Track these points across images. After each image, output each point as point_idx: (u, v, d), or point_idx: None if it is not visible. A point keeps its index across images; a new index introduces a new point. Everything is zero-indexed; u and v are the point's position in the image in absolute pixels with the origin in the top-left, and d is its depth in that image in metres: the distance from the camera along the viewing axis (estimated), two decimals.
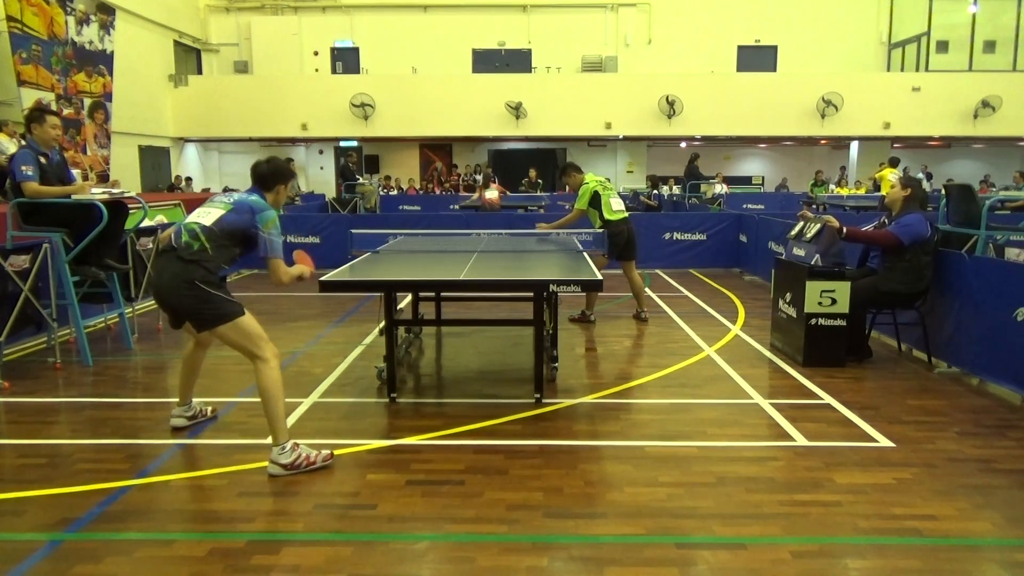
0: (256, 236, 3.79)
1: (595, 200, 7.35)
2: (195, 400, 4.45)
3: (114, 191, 6.58)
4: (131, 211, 6.62)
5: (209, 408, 4.54)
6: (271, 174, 3.98)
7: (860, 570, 2.87)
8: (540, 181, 19.04)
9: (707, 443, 4.12)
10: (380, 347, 5.54)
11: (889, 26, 22.51)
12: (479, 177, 20.59)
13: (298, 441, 3.80)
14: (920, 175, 21.97)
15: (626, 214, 7.52)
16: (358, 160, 22.39)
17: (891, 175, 13.14)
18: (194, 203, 12.24)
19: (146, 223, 7.48)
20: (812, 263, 5.66)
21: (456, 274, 4.87)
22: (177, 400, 4.40)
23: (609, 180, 7.83)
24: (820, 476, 3.68)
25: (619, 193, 8.63)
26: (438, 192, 22.19)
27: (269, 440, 3.74)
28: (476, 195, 13.92)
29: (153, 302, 7.50)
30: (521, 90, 19.89)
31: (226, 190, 16.17)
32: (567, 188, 7.87)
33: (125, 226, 6.45)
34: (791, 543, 3.03)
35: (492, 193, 13.10)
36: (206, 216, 3.77)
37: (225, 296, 3.71)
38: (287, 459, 3.67)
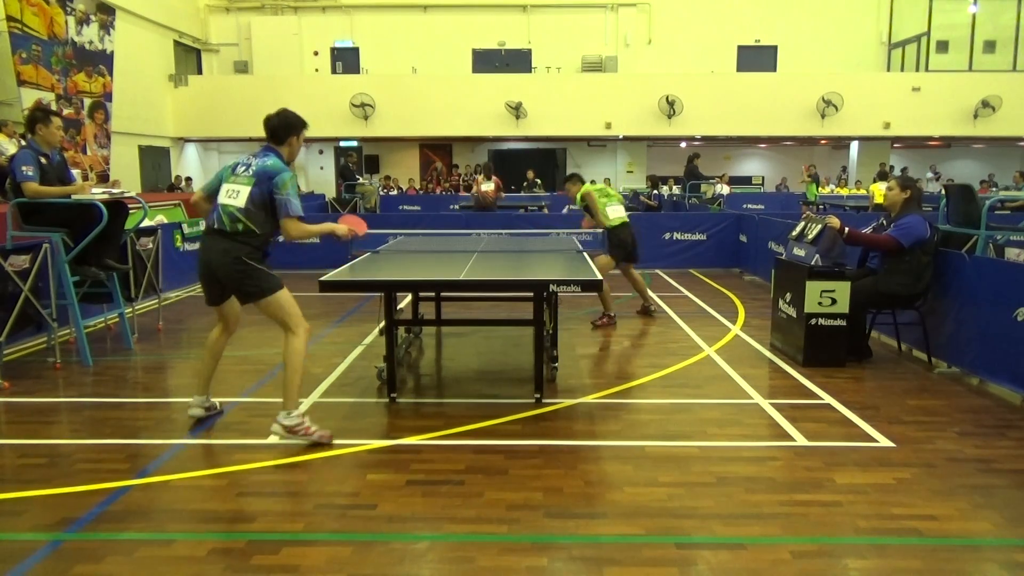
0: (273, 199, 3.96)
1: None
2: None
3: (114, 191, 6.59)
4: (131, 211, 6.62)
5: (218, 402, 4.62)
6: (282, 126, 4.09)
7: (860, 570, 2.87)
8: (539, 181, 19.03)
9: (707, 443, 4.12)
10: (380, 347, 5.54)
11: (889, 26, 22.50)
12: (479, 177, 20.61)
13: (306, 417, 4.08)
14: (930, 175, 21.99)
15: (626, 218, 7.51)
16: (358, 160, 22.39)
17: (882, 185, 13.10)
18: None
19: (146, 223, 7.48)
20: (812, 263, 5.66)
21: (456, 274, 4.87)
22: (196, 392, 4.46)
23: (609, 184, 7.81)
24: (820, 476, 3.68)
25: (620, 193, 8.66)
26: (438, 192, 22.19)
27: (270, 439, 3.75)
28: (474, 188, 13.86)
29: (153, 302, 7.54)
30: (521, 90, 19.88)
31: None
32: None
33: (125, 226, 6.45)
34: (791, 543, 3.03)
35: (488, 185, 13.01)
36: (235, 196, 3.96)
37: (268, 271, 4.03)
38: (290, 422, 3.99)
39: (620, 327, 7.21)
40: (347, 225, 4.24)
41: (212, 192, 4.15)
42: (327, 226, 4.20)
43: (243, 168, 4.06)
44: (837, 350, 5.64)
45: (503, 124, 20.14)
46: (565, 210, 13.57)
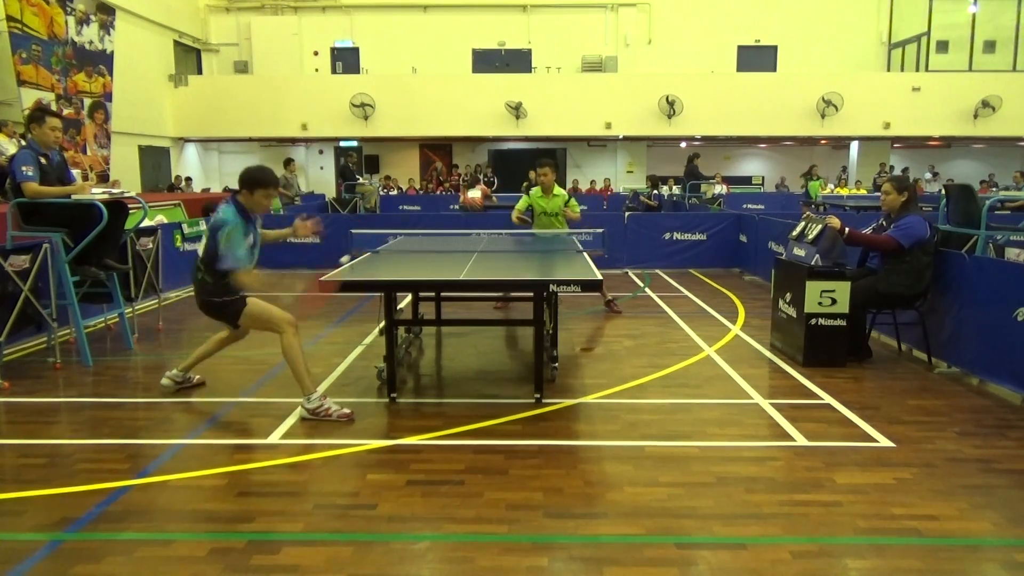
0: (216, 246, 4.39)
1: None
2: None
3: (114, 191, 6.58)
4: (131, 211, 6.62)
5: (196, 376, 5.10)
6: (245, 179, 4.53)
7: (860, 570, 2.87)
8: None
9: (707, 443, 4.12)
10: (380, 347, 5.54)
11: (889, 26, 22.50)
12: (480, 177, 20.61)
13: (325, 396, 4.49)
14: (928, 175, 21.99)
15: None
16: (358, 160, 22.39)
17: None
18: (194, 203, 12.32)
19: (146, 223, 7.48)
20: (812, 263, 5.66)
21: (456, 274, 4.87)
22: (178, 366, 4.97)
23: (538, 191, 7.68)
24: (820, 476, 3.68)
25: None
26: (438, 192, 22.19)
27: (270, 439, 3.74)
28: (462, 198, 13.84)
29: (153, 302, 7.54)
30: (521, 90, 19.88)
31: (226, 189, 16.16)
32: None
33: (125, 226, 6.45)
34: (791, 543, 3.03)
35: (474, 192, 13.00)
36: (200, 245, 4.52)
37: (230, 299, 4.51)
38: (311, 405, 4.40)
39: (620, 327, 7.21)
40: (308, 306, 5.05)
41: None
42: (256, 280, 4.51)
43: (211, 219, 4.51)
44: (837, 350, 5.64)
45: (503, 124, 20.14)
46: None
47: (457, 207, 15.79)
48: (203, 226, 9.97)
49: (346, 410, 4.47)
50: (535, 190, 7.64)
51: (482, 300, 7.43)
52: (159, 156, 19.74)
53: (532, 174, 18.58)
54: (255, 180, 4.53)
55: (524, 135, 20.76)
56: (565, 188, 7.89)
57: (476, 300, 7.31)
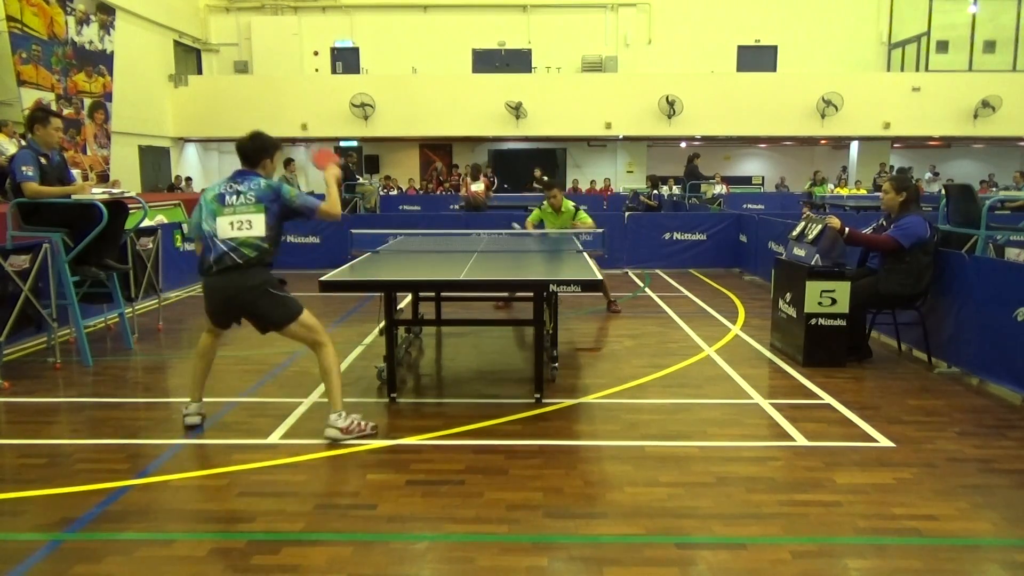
0: (294, 209, 4.11)
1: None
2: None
3: (114, 191, 6.59)
4: (131, 211, 6.62)
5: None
6: (255, 149, 4.15)
7: (860, 570, 2.87)
8: (547, 179, 18.87)
9: (707, 443, 4.12)
10: (380, 347, 5.54)
11: (889, 26, 22.49)
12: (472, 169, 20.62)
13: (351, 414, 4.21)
14: (928, 175, 21.99)
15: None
16: (358, 160, 22.38)
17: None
18: (194, 203, 12.31)
19: (146, 223, 7.48)
20: (812, 263, 5.66)
21: (456, 274, 4.87)
22: (189, 399, 4.40)
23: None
24: (820, 476, 3.68)
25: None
26: (438, 192, 22.19)
27: (270, 439, 3.72)
28: (463, 190, 13.81)
29: (153, 302, 7.53)
30: (521, 90, 19.88)
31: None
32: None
33: (125, 226, 6.45)
34: (791, 543, 3.03)
35: (477, 185, 12.97)
36: (247, 226, 3.96)
37: (290, 295, 4.13)
38: (344, 423, 4.12)
39: (620, 327, 7.21)
40: (326, 159, 4.51)
41: (199, 229, 4.09)
42: (332, 186, 4.34)
43: (234, 197, 4.02)
44: (837, 350, 5.64)
45: (503, 124, 20.14)
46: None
47: (458, 207, 15.79)
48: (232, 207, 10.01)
49: (372, 423, 4.26)
50: (546, 206, 8.02)
51: (482, 300, 7.43)
52: (159, 156, 19.73)
53: (538, 171, 18.48)
54: (269, 146, 4.19)
55: (524, 135, 20.75)
56: (565, 189, 8.04)
57: (476, 300, 7.30)
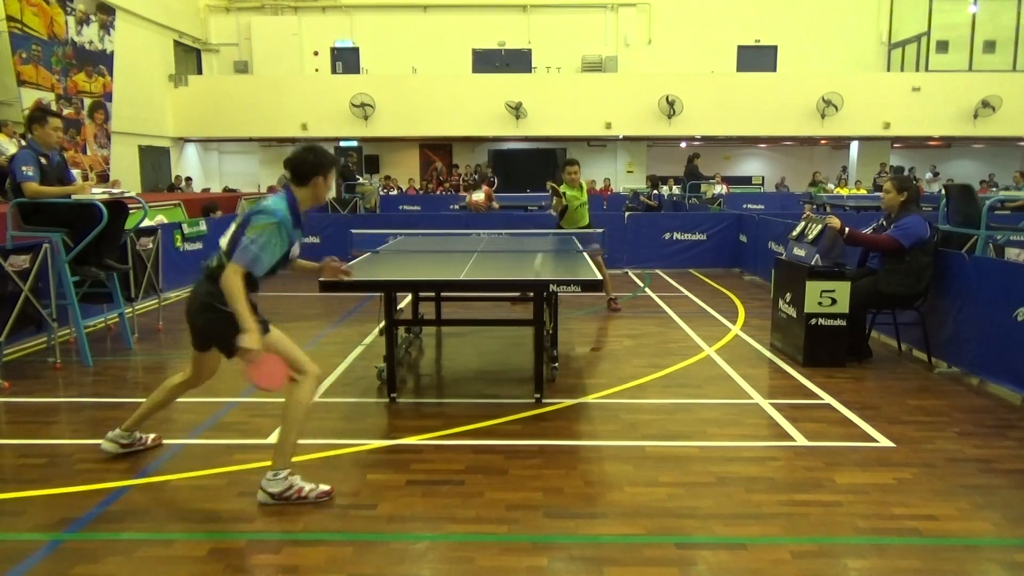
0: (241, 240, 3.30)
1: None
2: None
3: (114, 191, 6.59)
4: (131, 211, 6.62)
5: (150, 437, 4.04)
6: (301, 164, 3.44)
7: (860, 570, 2.87)
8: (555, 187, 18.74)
9: (707, 443, 4.12)
10: (380, 347, 5.54)
11: (889, 26, 22.49)
12: (477, 177, 20.60)
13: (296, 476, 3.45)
14: (929, 175, 22.00)
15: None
16: (358, 160, 22.38)
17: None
18: (194, 203, 12.31)
19: (146, 223, 7.48)
20: (812, 263, 5.66)
21: (456, 274, 4.87)
22: (121, 425, 3.87)
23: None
24: (820, 476, 3.68)
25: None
26: (438, 192, 22.19)
27: (270, 439, 3.72)
28: (467, 199, 13.85)
29: (153, 302, 7.54)
30: (521, 90, 19.87)
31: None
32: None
33: (125, 226, 6.45)
34: (791, 543, 3.03)
35: (478, 195, 13.01)
36: (226, 233, 3.43)
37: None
38: (276, 488, 3.34)
39: (620, 327, 7.22)
40: (264, 373, 3.27)
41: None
42: (245, 319, 3.23)
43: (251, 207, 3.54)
44: (837, 350, 5.64)
45: (503, 124, 20.14)
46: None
47: (458, 207, 15.78)
48: (203, 226, 10.01)
49: (325, 487, 3.44)
50: (565, 186, 8.14)
51: (482, 300, 7.42)
52: (159, 156, 19.73)
53: (551, 184, 18.59)
54: (322, 162, 3.46)
55: (524, 135, 20.75)
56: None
57: (476, 300, 7.30)
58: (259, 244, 3.27)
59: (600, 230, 7.79)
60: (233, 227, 3.39)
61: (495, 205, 13.18)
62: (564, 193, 8.00)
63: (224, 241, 3.39)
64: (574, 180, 8.07)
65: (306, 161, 3.44)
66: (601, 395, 5.00)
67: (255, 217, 3.32)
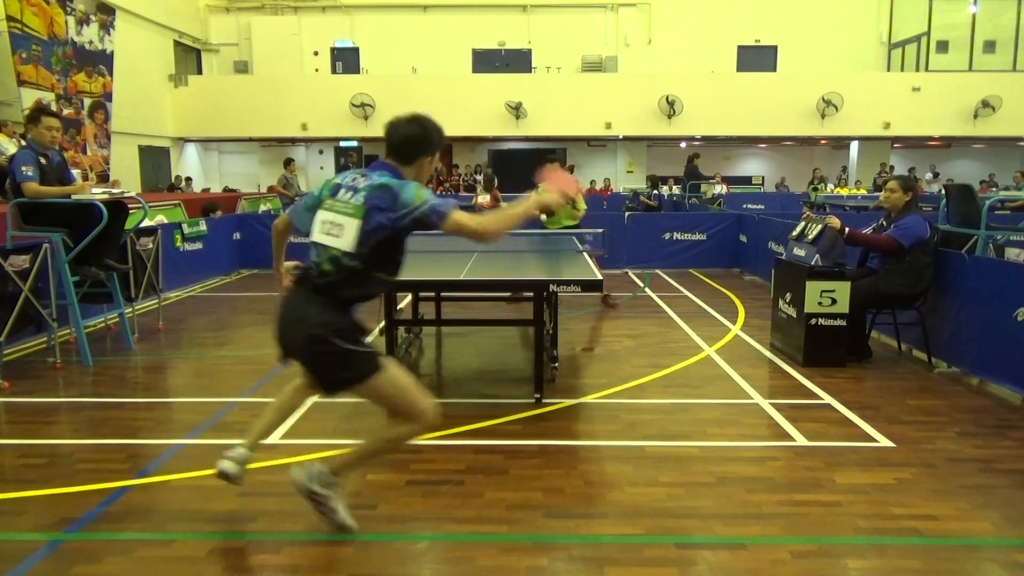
0: (415, 219, 2.69)
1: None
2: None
3: (114, 191, 6.58)
4: (131, 211, 6.62)
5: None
6: (415, 140, 2.84)
7: (860, 570, 2.87)
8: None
9: (707, 443, 4.12)
10: (380, 347, 5.53)
11: (889, 26, 22.50)
12: (479, 177, 20.59)
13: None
14: (928, 175, 22.01)
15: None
16: (358, 160, 22.38)
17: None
18: (194, 203, 12.31)
19: (146, 223, 7.48)
20: (812, 263, 5.66)
21: (456, 274, 4.87)
22: (243, 440, 3.33)
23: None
24: (820, 476, 3.68)
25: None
26: (438, 192, 22.19)
27: (270, 439, 3.69)
28: (475, 200, 13.85)
29: (153, 302, 7.53)
30: (521, 90, 19.88)
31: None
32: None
33: (125, 226, 6.45)
34: (791, 543, 3.03)
35: (485, 197, 13.04)
36: (335, 233, 2.73)
37: (363, 350, 2.85)
38: (319, 489, 2.98)
39: (620, 327, 7.22)
40: (553, 191, 2.92)
41: (303, 220, 2.89)
42: (523, 206, 2.84)
43: (348, 193, 2.77)
44: (837, 350, 5.64)
45: (503, 124, 20.15)
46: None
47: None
48: (203, 226, 10.00)
49: (351, 522, 3.05)
50: (542, 186, 7.77)
51: (482, 300, 7.43)
52: (159, 156, 19.74)
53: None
54: (434, 139, 2.88)
55: (524, 135, 20.76)
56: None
57: (476, 300, 7.30)
58: (433, 196, 2.75)
59: (600, 230, 7.80)
60: (346, 221, 2.70)
61: (501, 205, 13.18)
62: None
63: (336, 242, 2.71)
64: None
65: (413, 138, 2.82)
66: (601, 395, 5.00)
67: (407, 191, 2.69)
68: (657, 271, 10.89)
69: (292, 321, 2.80)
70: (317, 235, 2.79)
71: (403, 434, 2.96)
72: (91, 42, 15.46)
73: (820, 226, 5.78)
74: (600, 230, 7.77)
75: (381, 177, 2.77)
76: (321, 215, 2.79)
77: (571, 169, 8.29)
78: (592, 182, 22.63)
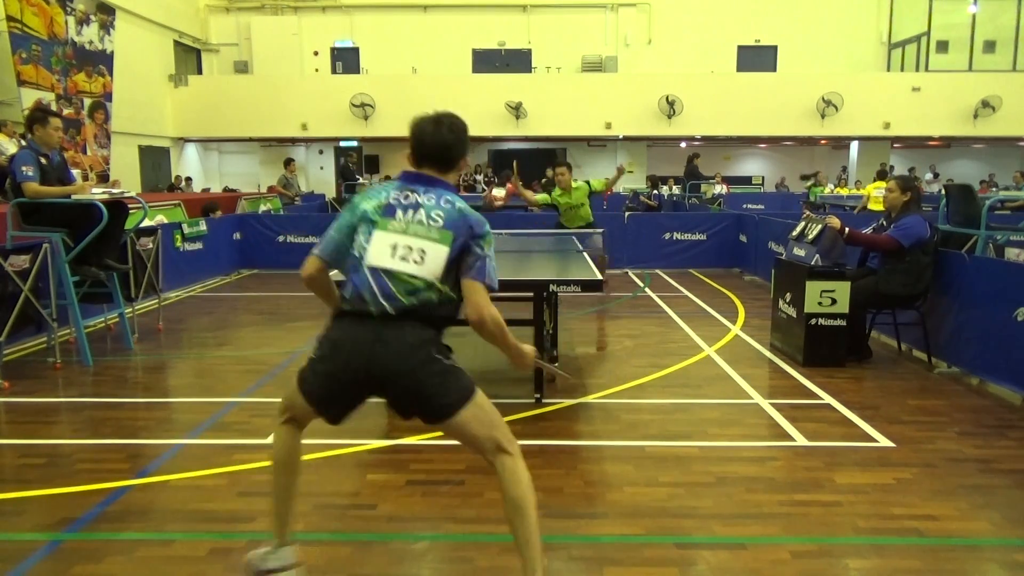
0: (468, 263, 2.52)
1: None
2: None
3: (114, 191, 6.58)
4: (131, 211, 6.62)
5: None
6: (459, 143, 2.63)
7: (860, 570, 2.87)
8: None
9: (707, 443, 4.12)
10: None
11: (889, 26, 22.50)
12: (479, 177, 20.60)
13: None
14: (928, 175, 22.01)
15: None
16: (358, 160, 22.39)
17: (875, 191, 13.07)
18: (194, 203, 12.30)
19: (146, 223, 7.47)
20: (812, 263, 5.66)
21: None
22: (273, 538, 2.73)
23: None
24: (820, 476, 3.68)
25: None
26: None
27: (270, 439, 3.72)
28: (487, 194, 13.85)
29: (153, 302, 7.52)
30: (521, 90, 19.88)
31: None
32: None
33: (125, 226, 6.45)
34: (791, 543, 3.03)
35: (499, 191, 13.08)
36: (419, 258, 2.46)
37: (457, 365, 2.66)
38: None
39: (620, 327, 7.22)
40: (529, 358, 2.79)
41: (343, 252, 2.56)
42: (514, 342, 2.74)
43: (410, 213, 2.50)
44: (837, 350, 5.64)
45: (503, 124, 20.14)
46: None
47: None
48: (203, 226, 10.01)
49: None
50: (556, 190, 8.15)
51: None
52: (159, 156, 19.73)
53: (549, 172, 18.76)
54: (462, 146, 2.69)
55: (524, 135, 20.76)
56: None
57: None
58: (494, 253, 2.59)
59: (600, 230, 7.79)
60: (429, 245, 2.46)
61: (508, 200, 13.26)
62: (551, 193, 8.19)
63: (420, 269, 2.45)
64: (560, 182, 8.07)
65: (451, 144, 2.61)
66: (601, 395, 5.00)
67: (483, 229, 2.54)
68: (657, 271, 10.89)
69: (386, 350, 2.44)
70: (385, 260, 2.45)
71: (521, 470, 2.53)
72: (91, 42, 15.46)
73: (820, 226, 5.78)
74: (600, 230, 7.76)
75: (448, 197, 2.56)
76: (388, 237, 2.47)
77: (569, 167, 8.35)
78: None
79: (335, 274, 2.64)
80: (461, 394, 2.56)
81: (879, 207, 10.34)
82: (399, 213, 2.51)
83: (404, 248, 2.47)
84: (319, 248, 2.61)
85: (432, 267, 2.47)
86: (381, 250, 2.47)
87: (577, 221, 8.06)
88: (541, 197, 8.31)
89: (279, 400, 2.76)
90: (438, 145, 2.59)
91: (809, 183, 18.63)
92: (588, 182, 8.17)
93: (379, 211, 2.51)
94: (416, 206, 2.51)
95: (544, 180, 18.58)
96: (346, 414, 2.67)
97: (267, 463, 3.69)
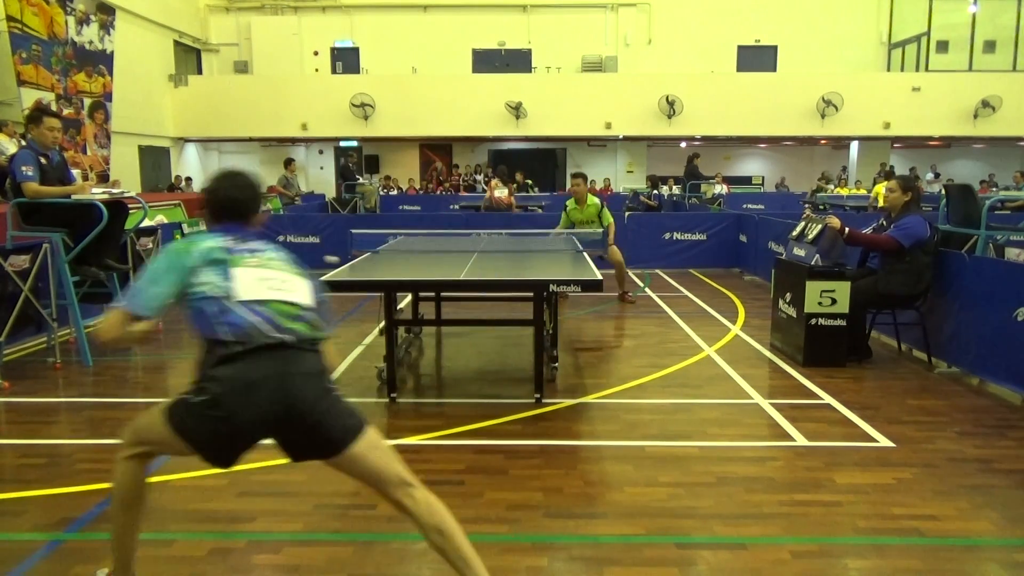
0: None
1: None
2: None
3: (114, 191, 6.58)
4: (131, 211, 6.62)
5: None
6: (253, 200, 2.71)
7: (860, 570, 2.87)
8: (529, 182, 18.55)
9: (707, 443, 4.12)
10: (380, 347, 5.53)
11: (889, 26, 22.50)
12: (479, 177, 20.60)
13: None
14: (929, 175, 22.01)
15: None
16: (358, 160, 22.39)
17: (884, 189, 13.09)
18: (194, 203, 12.29)
19: (146, 223, 7.48)
20: (812, 263, 5.66)
21: (456, 274, 4.87)
22: (119, 567, 2.52)
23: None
24: (820, 476, 3.68)
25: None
26: (438, 192, 22.19)
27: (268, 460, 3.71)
28: (488, 193, 13.86)
29: None
30: (521, 90, 19.88)
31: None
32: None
33: (125, 226, 6.45)
34: (791, 543, 3.03)
35: (502, 191, 13.09)
36: (293, 289, 2.49)
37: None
38: None
39: (620, 327, 7.22)
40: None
41: (167, 305, 2.66)
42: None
43: (256, 254, 2.52)
44: (837, 350, 5.64)
45: (503, 124, 20.14)
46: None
47: (457, 207, 15.80)
48: (203, 226, 9.97)
49: None
50: (570, 202, 8.33)
51: (482, 300, 7.43)
52: (159, 156, 19.73)
53: (520, 176, 18.74)
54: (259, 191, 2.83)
55: (524, 135, 20.76)
56: (566, 188, 8.31)
57: (476, 300, 7.30)
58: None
59: (601, 230, 7.82)
60: (292, 278, 2.53)
61: (513, 200, 13.27)
62: (566, 206, 8.34)
63: (300, 298, 2.51)
64: (575, 193, 8.14)
65: (248, 201, 2.69)
66: (601, 395, 5.00)
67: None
68: (657, 271, 10.89)
69: (306, 382, 2.33)
70: (261, 293, 2.40)
71: (437, 502, 2.40)
72: (91, 42, 15.46)
73: (820, 226, 5.78)
74: (601, 230, 7.79)
75: (265, 242, 2.60)
76: (251, 272, 2.43)
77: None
78: (592, 182, 22.63)
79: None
80: (357, 420, 2.41)
81: None
82: (245, 253, 2.48)
83: (272, 280, 2.45)
84: (135, 305, 2.58)
85: (304, 294, 2.49)
86: (250, 284, 2.41)
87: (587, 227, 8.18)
88: (562, 223, 8.39)
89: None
90: (241, 200, 2.64)
91: (831, 186, 18.61)
92: (602, 206, 8.28)
93: (223, 251, 2.47)
94: (256, 250, 2.52)
95: (516, 184, 18.57)
96: (239, 459, 2.42)
97: (266, 463, 3.71)
